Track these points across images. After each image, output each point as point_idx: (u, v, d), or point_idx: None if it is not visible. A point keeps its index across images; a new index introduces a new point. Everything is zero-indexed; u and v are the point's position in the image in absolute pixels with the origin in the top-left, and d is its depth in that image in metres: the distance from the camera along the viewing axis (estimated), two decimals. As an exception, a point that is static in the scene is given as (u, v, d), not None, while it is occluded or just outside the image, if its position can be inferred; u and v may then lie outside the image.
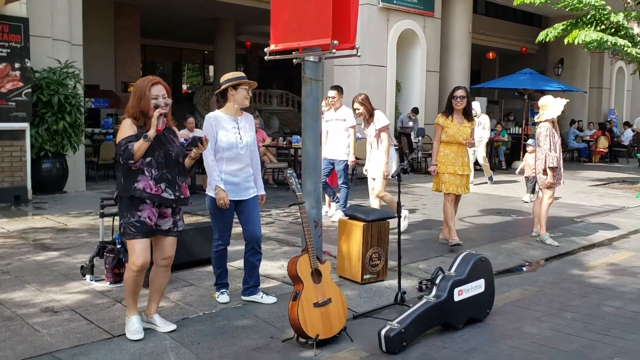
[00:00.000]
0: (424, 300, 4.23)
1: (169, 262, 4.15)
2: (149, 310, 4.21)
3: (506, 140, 16.89)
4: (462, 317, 4.38)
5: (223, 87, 4.60)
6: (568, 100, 7.39)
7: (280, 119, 24.33)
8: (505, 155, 17.01)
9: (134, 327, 4.01)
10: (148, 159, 3.91)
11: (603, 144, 18.94)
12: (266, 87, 26.30)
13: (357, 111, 7.25)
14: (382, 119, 7.10)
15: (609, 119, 22.64)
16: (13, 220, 7.85)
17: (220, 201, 4.49)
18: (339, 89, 8.36)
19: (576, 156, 19.96)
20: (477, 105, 11.79)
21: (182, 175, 4.11)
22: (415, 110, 15.28)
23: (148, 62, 31.47)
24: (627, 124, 20.98)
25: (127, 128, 3.94)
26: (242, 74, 4.72)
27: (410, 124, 15.15)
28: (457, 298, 4.31)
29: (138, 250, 3.92)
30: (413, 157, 14.66)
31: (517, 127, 18.45)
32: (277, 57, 5.76)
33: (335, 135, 8.08)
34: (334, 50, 5.17)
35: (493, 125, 18.44)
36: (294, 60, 5.67)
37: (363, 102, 7.12)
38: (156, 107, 3.88)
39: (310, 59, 5.52)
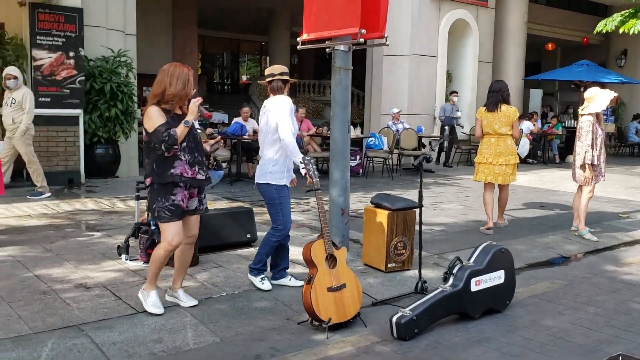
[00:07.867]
0: (439, 289, 4.24)
1: (194, 240, 4.35)
2: (176, 285, 4.41)
3: (560, 133, 16.44)
4: (479, 307, 4.36)
5: (292, 80, 4.84)
6: (616, 94, 7.16)
7: (333, 109, 24.33)
8: (559, 148, 16.58)
9: (155, 301, 4.20)
10: (183, 144, 4.06)
11: (665, 138, 18.15)
12: (320, 78, 26.33)
13: None
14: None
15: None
16: (64, 202, 8.24)
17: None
18: None
19: (636, 151, 19.20)
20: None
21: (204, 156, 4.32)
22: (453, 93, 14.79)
23: (207, 52, 32.02)
24: (695, 118, 20.01)
25: (158, 115, 4.02)
26: None
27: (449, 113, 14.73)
28: (474, 288, 4.30)
29: (174, 231, 4.08)
30: (430, 150, 14.46)
31: (573, 121, 17.92)
32: (309, 46, 5.86)
33: None
34: (362, 39, 5.23)
35: (549, 118, 18.02)
36: (326, 49, 5.75)
37: None
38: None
39: (341, 48, 5.59)
